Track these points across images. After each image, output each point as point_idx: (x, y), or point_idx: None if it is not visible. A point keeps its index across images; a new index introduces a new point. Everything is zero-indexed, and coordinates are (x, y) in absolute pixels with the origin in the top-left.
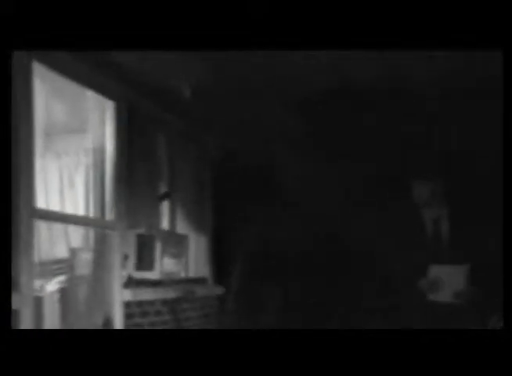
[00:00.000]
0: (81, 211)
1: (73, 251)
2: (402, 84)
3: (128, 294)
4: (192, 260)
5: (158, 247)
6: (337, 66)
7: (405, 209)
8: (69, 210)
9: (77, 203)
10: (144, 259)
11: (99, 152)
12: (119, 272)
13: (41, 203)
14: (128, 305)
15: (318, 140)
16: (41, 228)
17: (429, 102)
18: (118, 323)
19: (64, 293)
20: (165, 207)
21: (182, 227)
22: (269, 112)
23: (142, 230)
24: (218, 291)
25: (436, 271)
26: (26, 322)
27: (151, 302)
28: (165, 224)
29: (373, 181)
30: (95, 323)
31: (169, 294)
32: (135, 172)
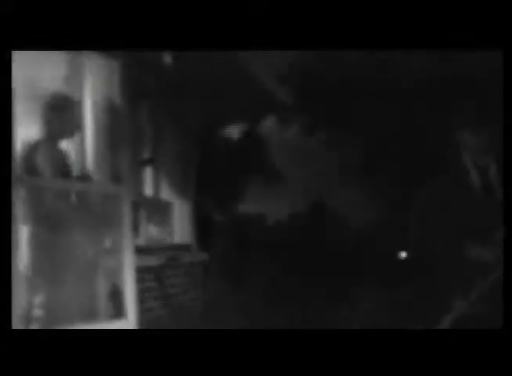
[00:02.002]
0: None
1: None
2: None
3: None
4: (177, 227)
5: (142, 213)
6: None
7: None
8: None
9: None
10: None
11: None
12: None
13: None
14: None
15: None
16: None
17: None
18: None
19: None
20: (149, 173)
21: (166, 194)
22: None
23: None
24: (203, 257)
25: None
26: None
27: (136, 269)
28: (149, 191)
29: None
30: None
31: (154, 260)
32: (118, 137)
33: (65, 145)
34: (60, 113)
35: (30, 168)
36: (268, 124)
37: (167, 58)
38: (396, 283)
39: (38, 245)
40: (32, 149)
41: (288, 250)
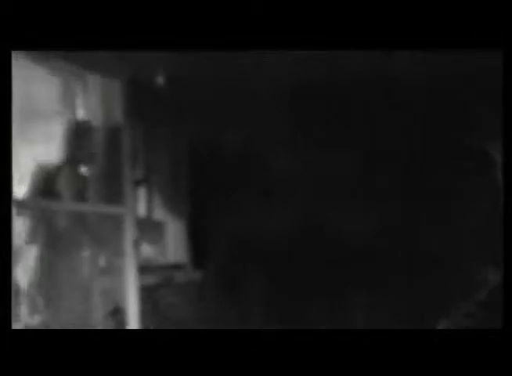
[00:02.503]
0: None
1: None
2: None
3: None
4: (171, 246)
5: (135, 233)
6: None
7: None
8: None
9: None
10: None
11: None
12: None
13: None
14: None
15: (302, 128)
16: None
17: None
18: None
19: None
20: (142, 192)
21: (159, 213)
22: (252, 100)
23: None
24: (198, 276)
25: None
26: None
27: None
28: (142, 210)
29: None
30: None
31: (148, 280)
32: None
33: (84, 169)
34: (84, 139)
35: (48, 190)
36: (264, 139)
37: (160, 79)
38: (396, 285)
39: (44, 265)
40: (53, 172)
41: (285, 261)
